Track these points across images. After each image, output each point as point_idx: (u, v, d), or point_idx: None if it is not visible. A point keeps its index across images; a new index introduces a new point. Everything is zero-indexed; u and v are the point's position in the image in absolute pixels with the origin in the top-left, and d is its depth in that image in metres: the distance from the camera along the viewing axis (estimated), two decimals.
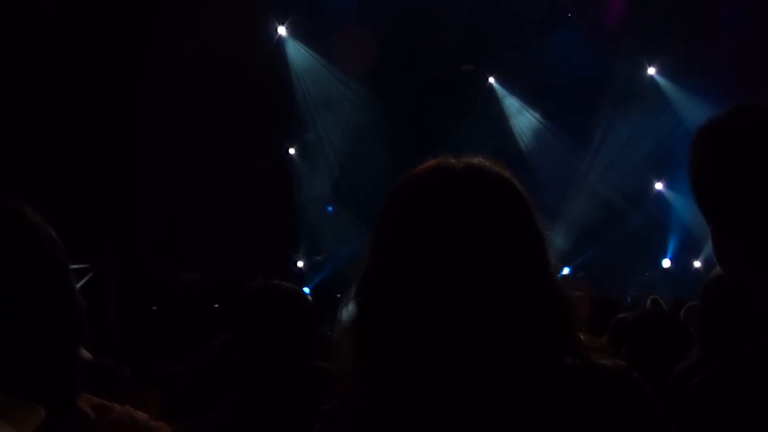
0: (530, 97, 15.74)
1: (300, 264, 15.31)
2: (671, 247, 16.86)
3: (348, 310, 1.32)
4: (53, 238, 1.10)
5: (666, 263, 17.02)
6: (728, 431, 1.31)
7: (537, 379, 1.17)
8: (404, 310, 1.21)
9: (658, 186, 16.87)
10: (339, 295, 11.64)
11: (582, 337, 1.26)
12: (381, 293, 1.24)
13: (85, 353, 3.30)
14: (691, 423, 1.37)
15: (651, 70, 15.31)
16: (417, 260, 1.22)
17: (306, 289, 11.61)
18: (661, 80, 15.28)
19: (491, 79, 15.95)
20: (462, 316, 1.18)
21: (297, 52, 14.64)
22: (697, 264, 15.72)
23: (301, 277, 13.90)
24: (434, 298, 1.19)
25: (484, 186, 1.26)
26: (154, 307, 13.40)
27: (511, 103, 16.10)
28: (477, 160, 1.30)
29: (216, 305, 13.65)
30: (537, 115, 16.01)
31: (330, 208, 15.87)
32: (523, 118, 16.20)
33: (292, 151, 15.71)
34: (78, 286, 1.19)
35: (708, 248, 1.67)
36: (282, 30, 14.35)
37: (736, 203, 1.37)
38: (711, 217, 1.41)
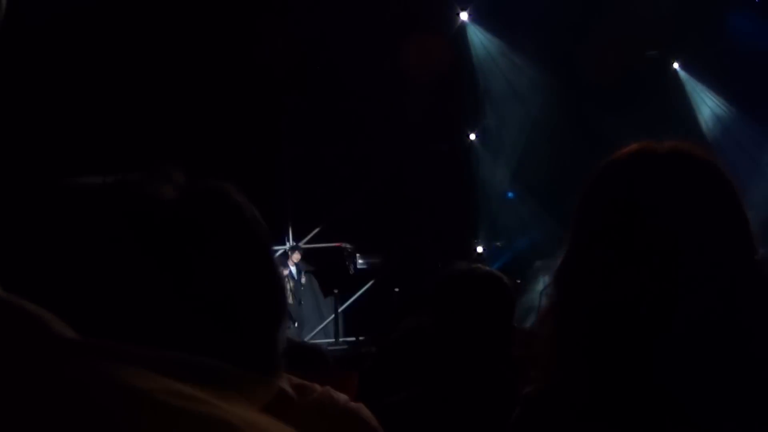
0: (716, 83, 14.97)
1: (480, 249, 15.27)
2: None
3: (542, 295, 1.31)
4: (257, 217, 1.12)
5: None
6: None
7: (746, 371, 1.14)
8: (609, 297, 1.19)
9: None
10: (519, 281, 11.56)
11: None
12: (585, 279, 1.23)
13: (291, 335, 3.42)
14: None
15: None
16: (624, 246, 1.20)
17: None
18: None
19: (676, 65, 15.31)
20: (671, 305, 1.15)
21: (478, 38, 14.59)
22: None
23: (481, 262, 13.80)
24: (641, 285, 1.17)
25: (690, 170, 1.24)
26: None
27: (695, 90, 15.39)
28: (680, 143, 1.28)
29: (396, 289, 13.82)
30: (723, 101, 15.21)
31: (510, 194, 15.74)
32: (705, 105, 15.44)
33: (473, 136, 15.67)
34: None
35: None
36: (464, 15, 14.35)
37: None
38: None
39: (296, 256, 13.56)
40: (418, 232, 14.22)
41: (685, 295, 1.16)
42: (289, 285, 12.86)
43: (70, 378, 0.62)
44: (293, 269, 13.22)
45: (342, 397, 1.34)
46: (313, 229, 14.22)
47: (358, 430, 1.30)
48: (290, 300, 12.76)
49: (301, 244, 14.25)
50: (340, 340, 12.86)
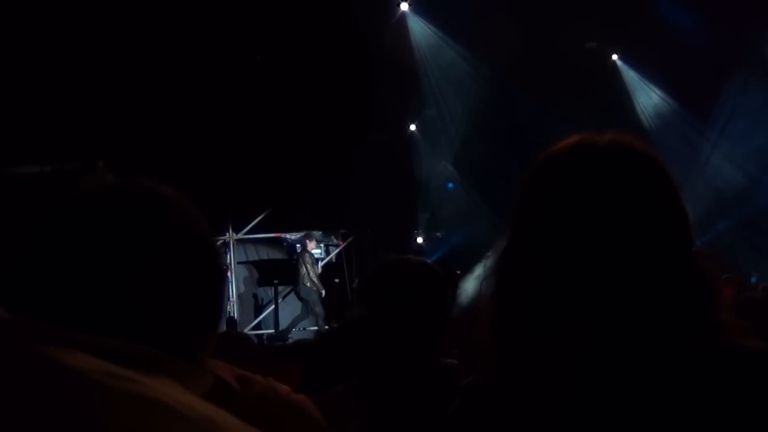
0: (653, 74, 15.24)
1: (420, 240, 15.36)
2: None
3: (476, 285, 1.32)
4: (189, 207, 1.10)
5: None
6: None
7: (682, 360, 1.15)
8: (546, 288, 1.20)
9: None
10: (458, 272, 11.65)
11: (723, 317, 1.24)
12: (523, 270, 1.24)
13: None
14: None
15: None
16: (561, 238, 1.21)
17: None
18: None
19: (615, 57, 15.54)
20: (607, 295, 1.17)
21: (419, 27, 14.62)
22: None
23: (421, 253, 13.91)
24: (579, 276, 1.19)
25: (629, 162, 1.24)
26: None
27: (634, 81, 15.65)
28: (621, 135, 1.29)
29: (336, 280, 13.84)
30: (660, 92, 15.50)
31: (451, 185, 15.84)
32: (645, 96, 15.72)
33: (413, 127, 15.73)
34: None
35: None
36: (404, 6, 14.36)
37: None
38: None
39: (312, 245, 13.50)
40: (359, 223, 14.26)
41: (623, 288, 1.18)
42: (308, 272, 12.82)
43: (2, 356, 0.63)
44: (309, 258, 13.13)
45: (284, 388, 1.34)
46: (253, 220, 14.15)
47: (301, 422, 1.31)
48: (310, 285, 12.75)
49: (241, 236, 14.19)
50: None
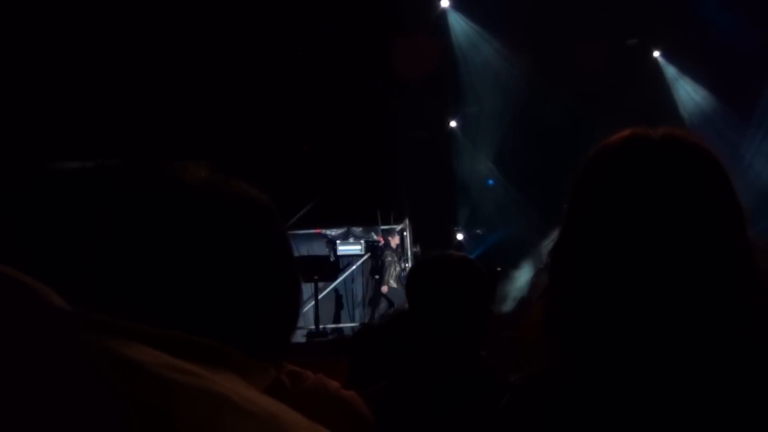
0: (696, 72, 15.02)
1: (460, 237, 15.31)
2: None
3: (529, 281, 1.32)
4: (274, 209, 1.11)
5: None
6: None
7: (734, 355, 1.14)
8: (601, 282, 1.19)
9: None
10: (499, 269, 11.60)
11: None
12: (577, 265, 1.23)
13: None
14: None
15: None
16: (617, 233, 1.20)
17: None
18: None
19: (656, 53, 15.35)
20: (663, 291, 1.16)
21: (459, 25, 14.57)
22: None
23: (461, 250, 13.88)
24: (633, 270, 1.18)
25: (683, 156, 1.23)
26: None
27: (675, 78, 15.44)
28: (673, 129, 1.28)
29: (376, 276, 13.84)
30: (703, 89, 15.26)
31: (491, 182, 15.77)
32: (686, 93, 15.50)
33: (453, 123, 15.68)
34: None
35: None
36: (445, 2, 14.32)
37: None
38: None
39: (395, 240, 13.58)
40: (400, 219, 14.26)
41: (680, 285, 1.17)
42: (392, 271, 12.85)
43: (66, 349, 0.63)
44: (391, 254, 13.18)
45: (334, 384, 1.35)
46: (294, 216, 14.20)
47: (351, 418, 1.31)
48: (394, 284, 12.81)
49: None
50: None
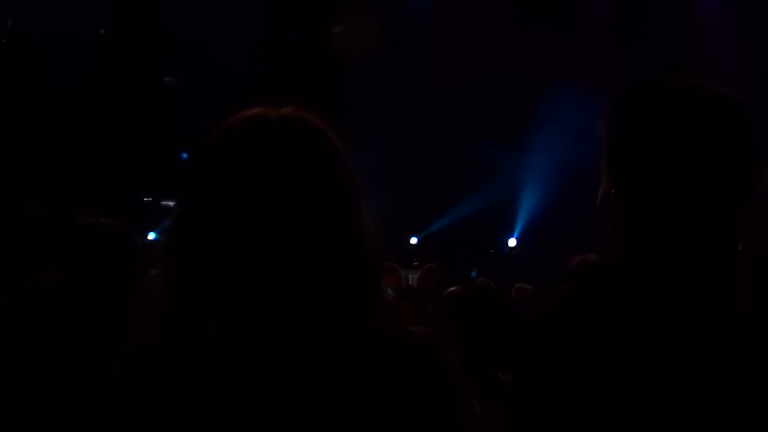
0: None
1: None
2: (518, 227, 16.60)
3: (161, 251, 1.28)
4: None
5: (512, 242, 16.64)
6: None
7: (340, 339, 1.19)
8: (215, 261, 1.19)
9: None
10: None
11: (394, 302, 1.29)
12: (192, 243, 1.22)
13: None
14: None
15: None
16: (229, 214, 1.19)
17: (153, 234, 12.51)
18: None
19: None
20: (273, 272, 1.18)
21: None
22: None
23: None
24: (244, 251, 1.18)
25: (297, 137, 1.23)
26: None
27: None
28: (292, 110, 1.27)
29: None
30: None
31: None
32: None
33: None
34: None
35: None
36: None
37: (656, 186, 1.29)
38: (623, 196, 1.33)
39: None
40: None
41: (283, 271, 1.19)
42: None
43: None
44: None
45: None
46: None
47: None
48: None
49: None
50: None
